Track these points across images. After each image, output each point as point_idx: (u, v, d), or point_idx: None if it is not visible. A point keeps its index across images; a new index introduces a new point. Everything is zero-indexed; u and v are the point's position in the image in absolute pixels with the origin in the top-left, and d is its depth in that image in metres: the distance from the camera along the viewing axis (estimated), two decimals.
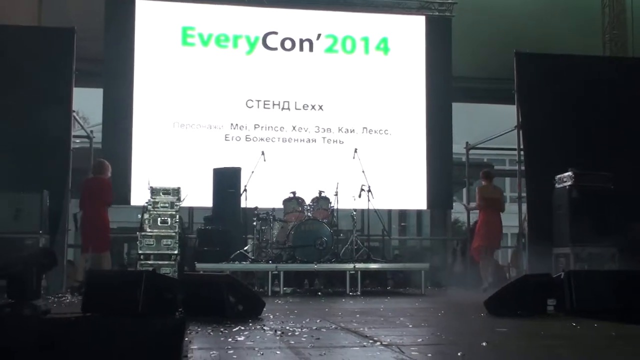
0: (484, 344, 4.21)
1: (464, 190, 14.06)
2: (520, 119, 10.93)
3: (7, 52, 9.95)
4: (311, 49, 12.82)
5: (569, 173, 9.72)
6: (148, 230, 10.28)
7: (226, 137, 12.27)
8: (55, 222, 9.62)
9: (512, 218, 13.26)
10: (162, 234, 10.27)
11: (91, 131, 12.39)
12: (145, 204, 10.45)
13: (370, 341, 4.33)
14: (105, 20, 12.20)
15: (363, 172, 10.52)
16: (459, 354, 3.80)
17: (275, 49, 12.74)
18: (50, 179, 9.79)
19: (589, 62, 11.64)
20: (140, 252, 10.26)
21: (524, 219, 10.84)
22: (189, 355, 3.69)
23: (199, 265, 9.50)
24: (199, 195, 11.12)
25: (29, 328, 5.45)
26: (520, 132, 10.92)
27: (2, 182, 9.05)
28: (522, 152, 10.92)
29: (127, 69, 12.18)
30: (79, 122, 11.55)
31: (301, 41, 12.81)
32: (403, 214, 15.28)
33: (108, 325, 5.56)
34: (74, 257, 14.43)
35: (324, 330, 4.99)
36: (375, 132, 12.71)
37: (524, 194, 10.86)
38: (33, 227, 8.88)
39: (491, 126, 13.79)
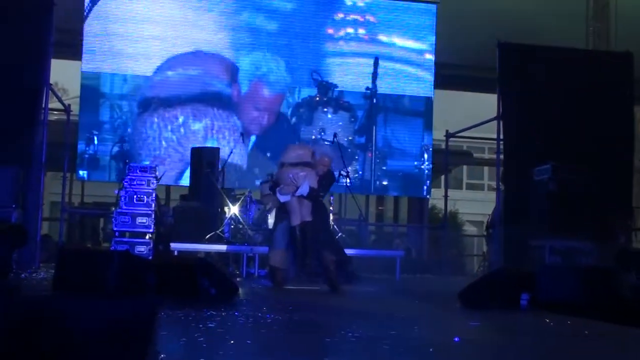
0: (456, 339, 4.19)
1: (442, 177, 14.04)
2: (500, 109, 10.91)
3: None
4: None
5: (548, 166, 9.71)
6: (124, 207, 10.20)
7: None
8: (29, 197, 9.49)
9: (491, 207, 13.29)
10: (138, 211, 10.19)
11: (69, 104, 12.20)
12: (122, 181, 10.36)
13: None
14: None
15: (341, 157, 10.45)
16: (430, 349, 3.78)
17: None
18: (25, 152, 9.63)
19: (571, 54, 11.60)
20: (115, 229, 10.18)
21: (493, 210, 10.88)
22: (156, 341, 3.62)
23: (173, 245, 9.42)
24: (177, 174, 11.02)
25: None
26: (501, 122, 10.90)
27: None
28: (501, 143, 10.92)
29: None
30: (55, 95, 11.36)
31: None
32: (380, 199, 15.25)
33: (77, 305, 5.52)
34: (49, 231, 14.32)
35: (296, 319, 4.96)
36: None
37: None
38: (5, 201, 8.72)
39: (472, 114, 13.78)
